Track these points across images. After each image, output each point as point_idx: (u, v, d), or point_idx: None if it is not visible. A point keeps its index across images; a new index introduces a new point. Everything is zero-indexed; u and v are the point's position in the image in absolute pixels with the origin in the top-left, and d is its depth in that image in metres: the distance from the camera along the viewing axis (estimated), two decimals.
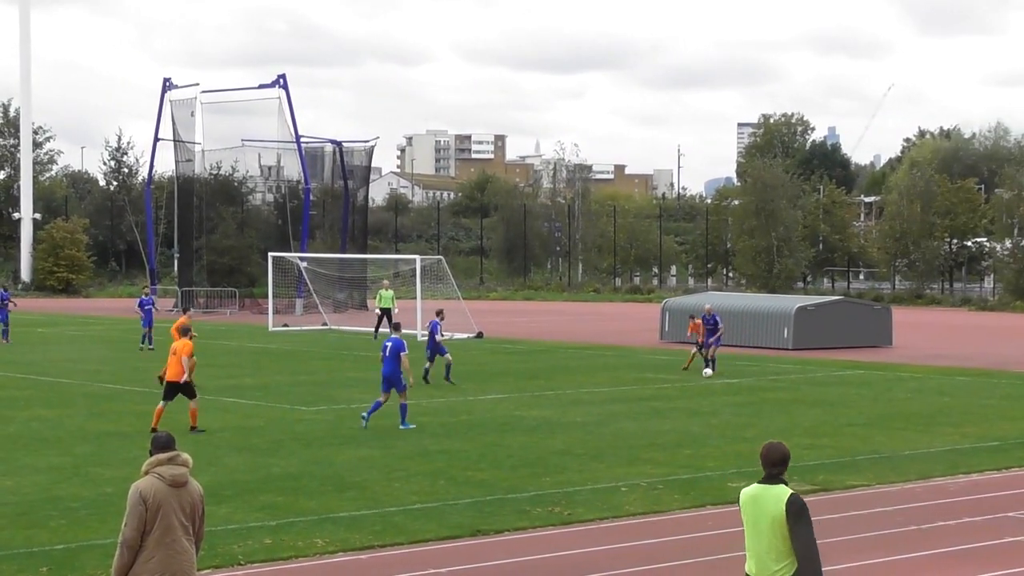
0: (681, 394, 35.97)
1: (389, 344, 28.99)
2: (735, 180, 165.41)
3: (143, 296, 51.47)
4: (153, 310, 50.14)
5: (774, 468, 11.17)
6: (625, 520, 19.63)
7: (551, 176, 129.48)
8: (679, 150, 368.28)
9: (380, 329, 55.49)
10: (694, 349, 42.22)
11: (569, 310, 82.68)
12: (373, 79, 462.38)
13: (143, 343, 49.32)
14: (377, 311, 56.50)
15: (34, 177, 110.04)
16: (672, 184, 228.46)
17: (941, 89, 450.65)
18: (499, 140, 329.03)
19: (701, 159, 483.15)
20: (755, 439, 27.54)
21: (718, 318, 42.49)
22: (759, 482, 11.18)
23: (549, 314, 76.54)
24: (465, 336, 55.52)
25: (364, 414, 28.95)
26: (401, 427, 28.61)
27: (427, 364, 37.75)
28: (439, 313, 39.33)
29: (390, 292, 56.46)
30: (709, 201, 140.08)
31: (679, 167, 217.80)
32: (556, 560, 17.19)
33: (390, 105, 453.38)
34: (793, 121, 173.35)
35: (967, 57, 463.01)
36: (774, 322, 52.05)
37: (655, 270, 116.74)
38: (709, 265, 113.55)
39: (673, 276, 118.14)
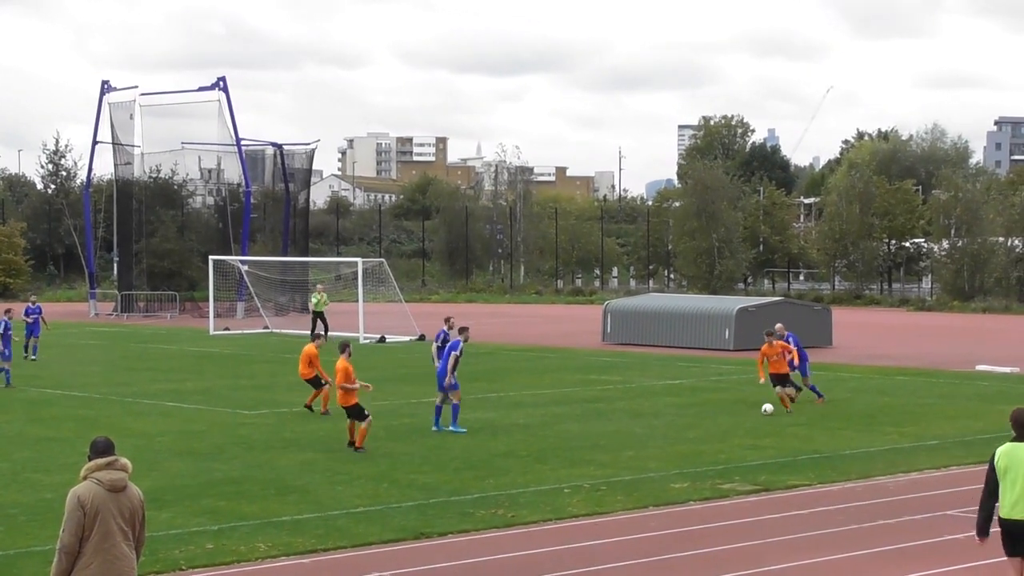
0: (623, 395, 36.05)
1: (440, 345, 29.13)
2: (676, 182, 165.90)
3: (29, 304, 48.37)
4: (40, 319, 46.82)
5: (1022, 429, 13.19)
6: (568, 522, 19.66)
7: (493, 178, 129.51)
8: (620, 152, 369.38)
9: (315, 331, 55.50)
10: (779, 388, 32.58)
11: (511, 312, 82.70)
12: (312, 82, 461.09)
13: (27, 353, 45.97)
14: (311, 311, 56.79)
15: None
16: (613, 186, 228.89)
17: (877, 91, 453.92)
18: (440, 142, 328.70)
19: (642, 161, 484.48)
20: (697, 440, 27.70)
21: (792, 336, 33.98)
22: (1010, 441, 13.27)
23: (491, 316, 76.49)
24: (408, 339, 55.45)
25: (434, 427, 29.03)
26: (451, 428, 28.71)
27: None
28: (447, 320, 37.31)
29: (324, 295, 56.71)
30: (650, 203, 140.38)
31: (620, 169, 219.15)
32: (500, 562, 17.20)
33: (330, 108, 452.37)
34: (733, 123, 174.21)
35: (901, 59, 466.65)
36: (715, 323, 52.25)
37: (597, 272, 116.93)
38: (651, 267, 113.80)
39: (615, 278, 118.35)
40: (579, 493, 21.64)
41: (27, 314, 46.87)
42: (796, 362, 33.04)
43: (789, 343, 32.99)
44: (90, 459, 11.14)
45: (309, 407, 31.36)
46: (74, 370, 42.66)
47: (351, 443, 26.10)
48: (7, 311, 39.90)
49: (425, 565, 17.03)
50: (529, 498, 21.19)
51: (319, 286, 58.63)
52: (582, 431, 29.07)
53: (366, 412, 26.20)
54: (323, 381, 30.98)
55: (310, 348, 31.37)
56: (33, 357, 45.56)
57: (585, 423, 30.41)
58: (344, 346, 26.78)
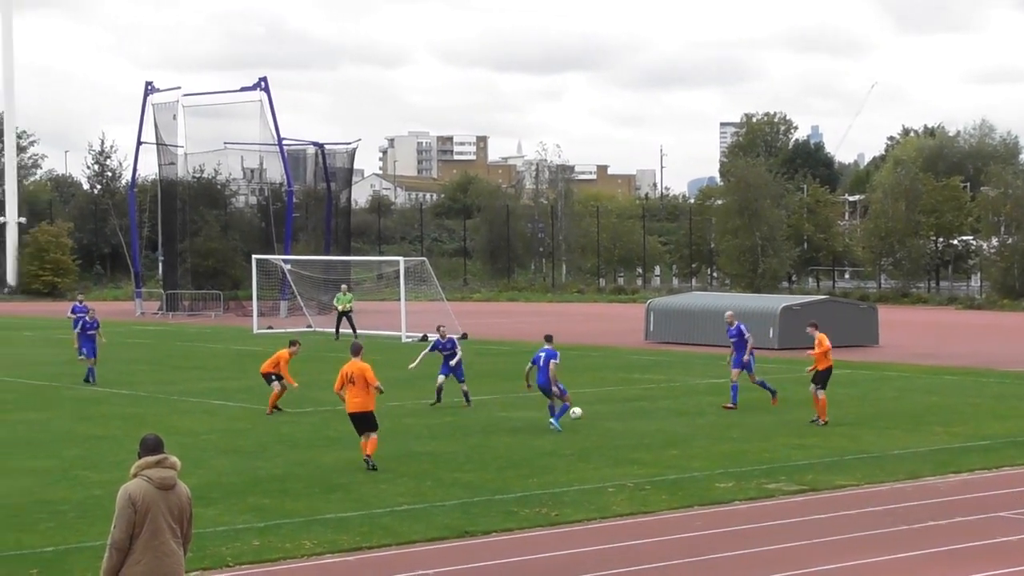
0: (666, 394, 36.01)
1: (543, 354, 28.88)
2: (718, 180, 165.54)
3: (76, 303, 48.68)
4: (85, 319, 47.11)
5: None
6: (612, 521, 19.65)
7: (534, 177, 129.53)
8: (661, 150, 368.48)
9: (340, 330, 55.84)
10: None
11: (553, 311, 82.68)
12: (352, 81, 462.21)
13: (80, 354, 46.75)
14: (339, 310, 57.11)
15: (18, 181, 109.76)
16: (655, 184, 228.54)
17: (923, 87, 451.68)
18: (481, 141, 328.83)
19: (683, 159, 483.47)
20: (741, 439, 27.64)
21: (743, 327, 34.04)
22: None
23: (533, 315, 76.52)
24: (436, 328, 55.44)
25: (552, 422, 28.93)
26: (551, 422, 28.74)
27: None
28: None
29: (349, 295, 57.11)
30: (692, 201, 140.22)
31: (662, 167, 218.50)
32: (543, 561, 17.21)
33: (371, 107, 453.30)
34: (776, 120, 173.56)
35: (947, 55, 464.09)
36: (759, 322, 52.01)
37: (639, 270, 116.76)
38: (693, 265, 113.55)
39: (657, 276, 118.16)
40: (623, 492, 21.63)
41: (74, 312, 47.13)
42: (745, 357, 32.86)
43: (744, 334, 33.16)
44: (140, 456, 11.23)
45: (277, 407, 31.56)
46: (121, 369, 42.91)
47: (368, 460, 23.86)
48: (90, 310, 39.98)
49: (469, 563, 17.06)
50: (573, 497, 21.20)
51: (343, 285, 58.88)
52: (625, 430, 29.06)
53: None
54: (274, 376, 31.49)
55: (283, 353, 31.69)
56: (82, 357, 45.62)
57: (628, 422, 30.39)
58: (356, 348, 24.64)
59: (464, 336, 55.53)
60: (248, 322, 64.15)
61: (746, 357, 32.99)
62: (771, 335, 51.20)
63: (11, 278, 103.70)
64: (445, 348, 33.11)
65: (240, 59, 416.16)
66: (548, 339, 29.64)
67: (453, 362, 32.86)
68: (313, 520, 19.33)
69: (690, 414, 31.73)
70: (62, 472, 23.59)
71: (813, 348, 31.02)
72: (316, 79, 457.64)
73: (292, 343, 32.10)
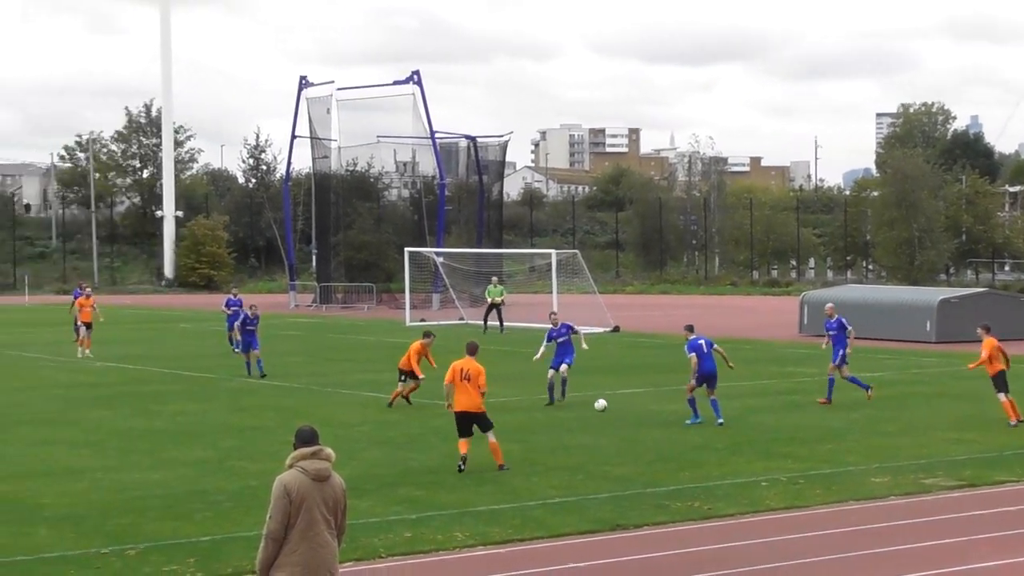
0: (821, 388, 35.50)
1: (702, 341, 28.73)
2: (874, 171, 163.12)
3: (231, 296, 48.96)
4: (247, 314, 47.17)
5: None
6: (765, 515, 19.46)
7: (686, 169, 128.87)
8: (816, 141, 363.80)
9: (488, 322, 56.03)
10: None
11: (706, 303, 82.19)
12: (505, 74, 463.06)
13: (232, 346, 46.01)
14: (491, 302, 57.35)
15: (176, 175, 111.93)
16: (809, 176, 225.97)
17: None
18: (633, 133, 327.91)
19: (839, 150, 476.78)
20: (897, 433, 27.21)
21: (843, 320, 33.36)
22: None
23: (686, 308, 76.11)
24: (601, 330, 55.45)
25: (692, 420, 28.58)
26: (720, 422, 28.24)
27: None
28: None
29: (500, 287, 57.30)
30: (848, 192, 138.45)
31: (816, 158, 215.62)
32: (696, 555, 17.09)
33: (523, 100, 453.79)
34: (934, 110, 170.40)
35: None
36: (916, 315, 51.29)
37: (793, 263, 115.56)
38: (848, 257, 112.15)
39: (811, 269, 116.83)
40: (776, 486, 21.41)
41: (228, 306, 47.72)
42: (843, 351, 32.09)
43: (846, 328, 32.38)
44: (295, 448, 11.33)
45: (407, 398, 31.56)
46: (275, 361, 43.47)
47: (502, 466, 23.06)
48: (251, 306, 40.27)
49: (620, 557, 17.00)
50: (725, 491, 21.03)
51: (494, 278, 59.07)
52: (778, 423, 28.77)
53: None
54: (418, 376, 31.34)
55: (416, 345, 31.57)
56: (237, 351, 46.23)
57: (781, 415, 30.09)
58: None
59: (616, 329, 55.52)
60: (401, 315, 64.64)
61: (849, 350, 32.53)
62: (928, 328, 50.39)
63: (168, 271, 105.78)
64: (560, 335, 32.40)
65: (393, 53, 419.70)
66: (691, 328, 29.38)
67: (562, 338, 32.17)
68: (465, 512, 19.39)
69: (845, 408, 31.29)
70: (218, 462, 23.97)
71: (983, 348, 30.21)
72: (469, 72, 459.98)
73: (426, 335, 32.09)
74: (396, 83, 78.83)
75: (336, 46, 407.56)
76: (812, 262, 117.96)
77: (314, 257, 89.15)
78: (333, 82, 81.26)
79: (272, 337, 53.10)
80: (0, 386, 36.89)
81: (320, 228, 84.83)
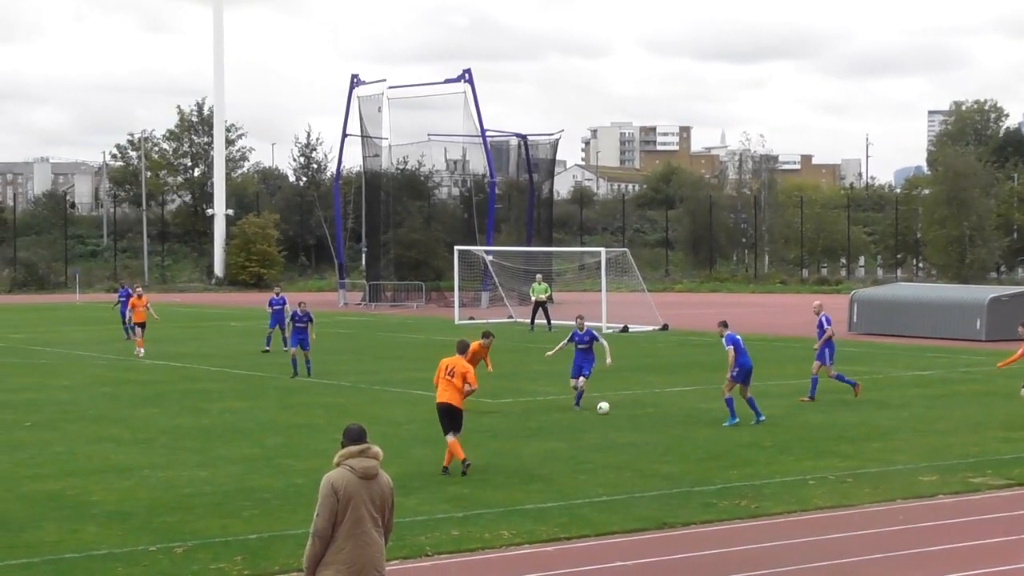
0: (870, 386, 35.34)
1: (740, 337, 28.53)
2: (925, 169, 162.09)
3: (274, 296, 48.33)
4: (284, 311, 46.00)
5: None
6: (813, 514, 19.38)
7: (737, 167, 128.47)
8: (867, 139, 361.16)
9: (536, 320, 55.95)
10: None
11: (755, 302, 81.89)
12: (556, 72, 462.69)
13: (268, 345, 46.58)
14: (536, 300, 57.27)
15: (227, 174, 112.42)
16: (860, 174, 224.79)
17: None
18: (684, 131, 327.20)
19: (890, 148, 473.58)
20: (947, 432, 27.04)
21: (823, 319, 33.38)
22: None
23: (735, 306, 75.86)
24: (651, 328, 55.37)
25: (730, 422, 28.15)
26: (761, 419, 28.18)
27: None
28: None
29: (544, 285, 57.23)
30: (899, 191, 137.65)
31: (867, 156, 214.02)
32: (743, 554, 17.03)
33: (573, 98, 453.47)
34: (986, 108, 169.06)
35: None
36: (966, 313, 50.93)
37: (843, 261, 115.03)
38: (899, 255, 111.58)
39: (861, 267, 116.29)
40: (824, 485, 21.32)
41: (271, 305, 47.52)
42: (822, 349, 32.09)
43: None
44: (343, 446, 11.36)
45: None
46: (323, 358, 43.59)
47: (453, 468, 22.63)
48: (300, 303, 39.51)
49: (668, 555, 16.96)
50: (773, 489, 20.96)
51: (538, 275, 59.04)
52: (826, 422, 28.64)
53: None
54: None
55: (475, 344, 30.25)
56: (267, 348, 46.08)
57: (830, 414, 29.95)
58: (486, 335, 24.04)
59: (665, 327, 55.42)
60: (450, 313, 64.73)
61: (815, 347, 32.86)
62: (978, 326, 50.05)
63: (219, 269, 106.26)
64: (582, 340, 30.72)
65: (444, 51, 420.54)
66: (725, 325, 28.99)
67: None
68: (512, 510, 19.39)
69: (894, 406, 31.13)
70: (266, 460, 24.06)
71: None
72: (520, 70, 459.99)
73: (485, 335, 31.76)
74: (447, 81, 78.89)
75: (387, 44, 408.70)
76: (862, 260, 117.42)
77: (364, 255, 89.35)
78: (385, 80, 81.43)
79: (321, 335, 53.16)
80: (50, 384, 37.16)
81: (370, 226, 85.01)
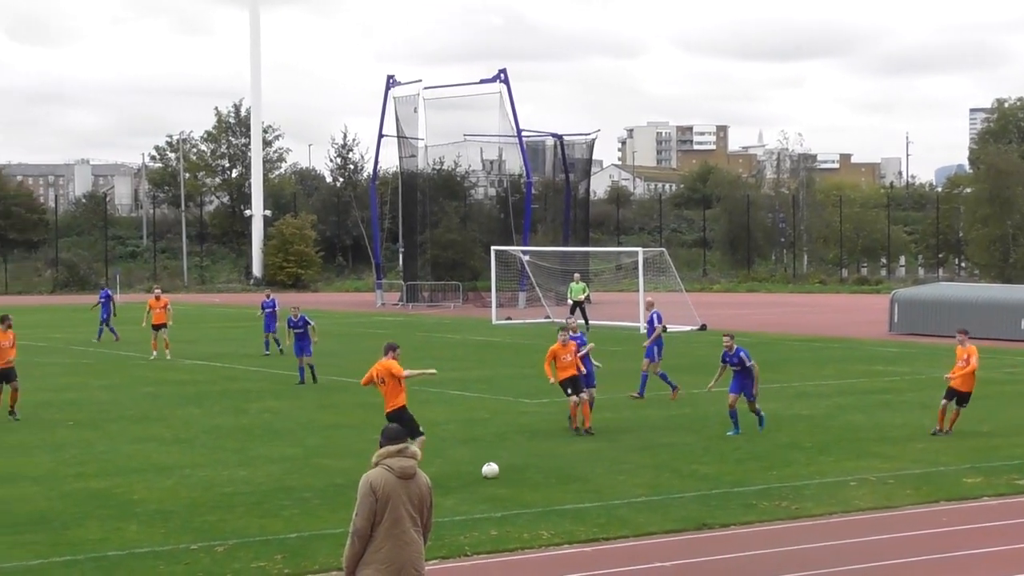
0: (911, 387, 35.20)
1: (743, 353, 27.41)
2: (967, 167, 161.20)
3: (265, 298, 47.74)
4: (275, 313, 45.82)
5: None
6: (855, 515, 19.27)
7: (775, 166, 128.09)
8: (907, 137, 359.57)
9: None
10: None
11: (794, 302, 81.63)
12: (591, 72, 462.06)
13: (278, 346, 45.76)
14: (570, 302, 57.13)
15: (264, 175, 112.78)
16: (900, 172, 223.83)
17: None
18: (721, 131, 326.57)
19: (930, 146, 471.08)
20: (991, 433, 26.86)
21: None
22: None
23: (774, 306, 75.66)
24: (689, 329, 55.23)
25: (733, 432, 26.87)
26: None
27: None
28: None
29: (581, 284, 57.15)
30: (940, 189, 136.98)
31: (908, 155, 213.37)
32: (784, 555, 16.94)
33: (609, 98, 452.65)
34: None
35: None
36: (1010, 313, 50.58)
37: (883, 261, 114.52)
38: (940, 255, 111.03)
39: (902, 267, 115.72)
40: (865, 486, 21.20)
41: (263, 308, 46.95)
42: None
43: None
44: (382, 445, 11.35)
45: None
46: (361, 359, 43.55)
47: None
48: (294, 307, 38.56)
49: (707, 556, 16.89)
50: (814, 490, 20.85)
51: (576, 275, 58.93)
52: (868, 423, 28.50)
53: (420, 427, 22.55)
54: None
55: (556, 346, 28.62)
56: (267, 353, 45.75)
57: (871, 414, 29.80)
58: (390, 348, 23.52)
59: (703, 327, 55.25)
60: (487, 313, 64.72)
61: (645, 344, 32.96)
62: (1022, 326, 49.70)
63: (256, 270, 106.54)
64: (733, 362, 27.51)
65: (479, 51, 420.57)
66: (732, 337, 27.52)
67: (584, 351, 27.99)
68: (550, 511, 19.36)
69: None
70: (305, 460, 24.10)
71: None
72: (555, 70, 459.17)
73: (563, 329, 30.10)
74: (483, 81, 78.84)
75: (422, 45, 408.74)
76: (903, 260, 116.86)
77: (401, 255, 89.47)
78: (420, 81, 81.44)
79: (359, 335, 53.35)
80: (92, 383, 37.34)
81: (407, 227, 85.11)
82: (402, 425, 21.33)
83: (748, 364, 26.63)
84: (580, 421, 27.09)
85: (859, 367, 40.58)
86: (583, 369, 27.31)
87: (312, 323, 37.37)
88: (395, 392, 22.58)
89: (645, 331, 33.44)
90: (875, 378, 37.50)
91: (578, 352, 27.56)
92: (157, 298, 45.58)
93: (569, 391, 26.99)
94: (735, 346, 27.00)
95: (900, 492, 20.75)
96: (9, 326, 29.74)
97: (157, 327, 44.84)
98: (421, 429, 22.48)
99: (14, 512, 19.55)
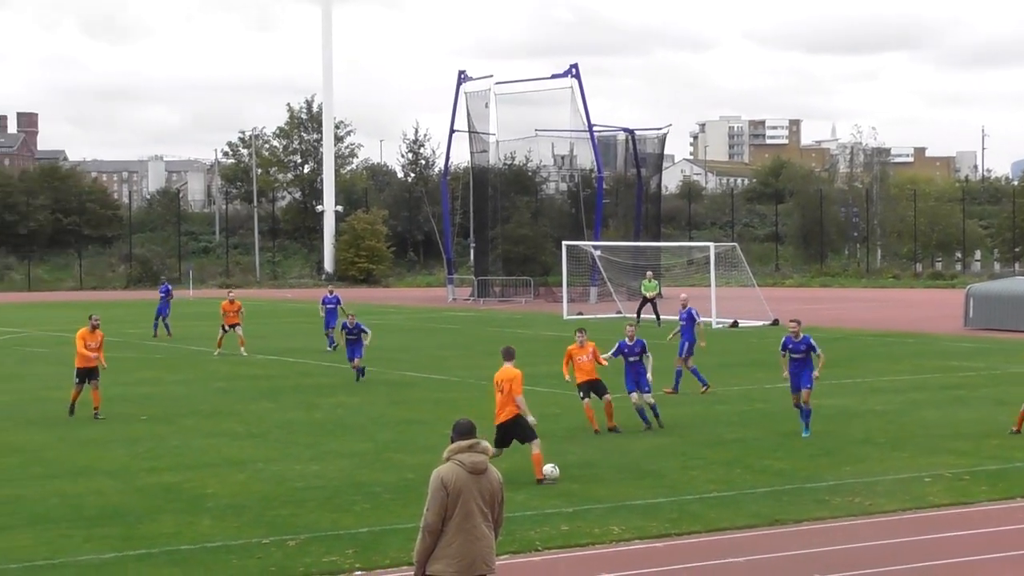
0: (987, 382, 34.84)
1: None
2: None
3: (327, 294, 47.59)
4: (338, 309, 45.64)
5: None
6: (929, 511, 19.10)
7: (848, 160, 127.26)
8: (983, 131, 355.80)
9: (643, 315, 55.73)
10: None
11: (867, 296, 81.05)
12: (663, 66, 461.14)
13: (330, 346, 45.64)
14: (645, 296, 57.12)
15: (336, 170, 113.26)
16: (976, 166, 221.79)
17: None
18: (793, 125, 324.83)
19: (1007, 139, 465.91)
20: None
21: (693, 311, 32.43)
22: None
23: (847, 301, 75.15)
24: (761, 324, 55.02)
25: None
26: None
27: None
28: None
29: (654, 282, 57.10)
30: (1016, 183, 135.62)
31: (983, 148, 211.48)
32: (856, 551, 16.81)
33: (681, 92, 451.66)
34: None
35: None
36: None
37: (958, 255, 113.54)
38: (1016, 249, 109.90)
39: (977, 261, 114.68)
40: (940, 482, 21.00)
41: (324, 303, 46.88)
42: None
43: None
44: (453, 441, 11.36)
45: None
46: (432, 354, 43.79)
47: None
48: (350, 315, 38.32)
49: (779, 552, 16.79)
50: (887, 486, 20.68)
51: (648, 272, 58.78)
52: (942, 418, 28.22)
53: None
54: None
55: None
56: (329, 349, 45.50)
57: (945, 410, 29.51)
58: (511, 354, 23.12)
59: (775, 322, 54.97)
60: (558, 308, 64.69)
61: (702, 343, 33.01)
62: None
63: (328, 265, 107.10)
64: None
65: (550, 46, 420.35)
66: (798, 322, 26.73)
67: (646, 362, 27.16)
68: (622, 506, 19.32)
69: (1012, 403, 30.49)
70: (376, 455, 24.17)
71: None
72: (626, 65, 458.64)
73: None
74: (554, 76, 78.85)
75: (493, 40, 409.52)
76: (978, 254, 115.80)
77: (472, 251, 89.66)
78: (492, 76, 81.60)
79: (430, 331, 53.44)
80: (165, 378, 37.65)
81: (478, 222, 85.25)
82: (520, 433, 21.68)
83: (817, 351, 25.91)
84: (601, 422, 26.58)
85: (933, 362, 40.22)
86: (603, 362, 26.55)
87: (367, 331, 37.06)
88: (509, 401, 22.01)
89: (679, 329, 33.17)
90: (949, 373, 37.15)
91: (643, 353, 27.03)
92: (231, 302, 45.58)
93: (581, 394, 26.77)
94: (802, 333, 26.16)
95: (975, 488, 20.54)
96: (96, 327, 30.00)
97: (232, 327, 44.92)
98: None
99: (88, 506, 19.74)
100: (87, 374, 29.68)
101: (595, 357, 26.39)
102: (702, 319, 33.20)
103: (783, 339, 26.54)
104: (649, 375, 27.09)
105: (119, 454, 24.48)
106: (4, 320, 64.46)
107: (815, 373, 25.91)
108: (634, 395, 27.16)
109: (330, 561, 16.35)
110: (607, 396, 26.58)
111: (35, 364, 42.47)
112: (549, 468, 21.50)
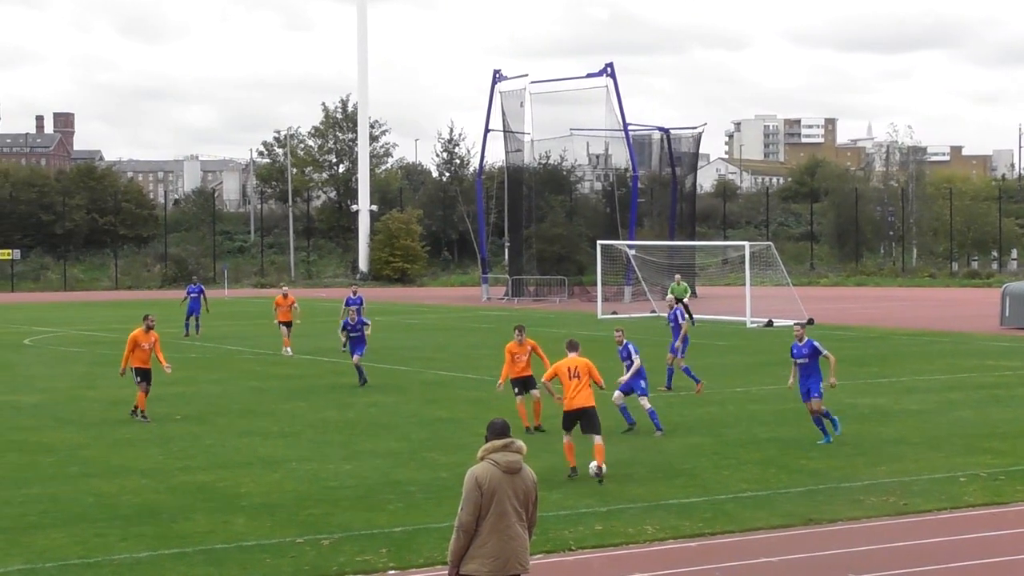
0: (1022, 383, 34.64)
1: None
2: None
3: (351, 295, 46.55)
4: (361, 310, 43.89)
5: None
6: (964, 511, 19.01)
7: (883, 159, 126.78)
8: (1020, 129, 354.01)
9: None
10: None
11: (903, 296, 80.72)
12: (698, 65, 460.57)
13: (344, 347, 43.73)
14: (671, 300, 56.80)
15: (371, 170, 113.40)
16: (1012, 164, 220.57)
17: None
18: (829, 124, 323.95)
19: None
20: None
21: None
22: None
23: (882, 300, 74.85)
24: (795, 323, 54.79)
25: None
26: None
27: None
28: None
29: (683, 285, 56.76)
30: None
31: (1020, 146, 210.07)
32: (891, 551, 16.75)
33: (716, 91, 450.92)
34: None
35: None
36: None
37: (994, 254, 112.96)
38: None
39: (1014, 260, 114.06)
40: (976, 482, 20.90)
41: (347, 304, 46.41)
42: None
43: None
44: (487, 440, 11.37)
45: None
46: (467, 353, 43.78)
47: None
48: (351, 314, 38.35)
49: (814, 551, 16.74)
50: (922, 486, 20.59)
51: (677, 276, 58.61)
52: (978, 418, 28.09)
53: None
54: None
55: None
56: (344, 349, 45.25)
57: (981, 410, 29.37)
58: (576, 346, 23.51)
59: (810, 321, 54.75)
60: (592, 307, 64.65)
61: (678, 344, 32.88)
62: None
63: (363, 264, 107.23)
64: (622, 357, 27.84)
65: (585, 45, 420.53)
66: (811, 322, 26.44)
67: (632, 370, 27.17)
68: (656, 505, 19.29)
69: None
70: (410, 454, 24.19)
71: None
72: (661, 64, 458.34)
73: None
74: (589, 75, 78.78)
75: (528, 39, 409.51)
76: (1015, 253, 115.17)
77: (506, 250, 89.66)
78: (527, 75, 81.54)
79: (464, 330, 53.46)
80: (200, 378, 37.78)
81: (512, 221, 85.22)
82: (587, 423, 21.71)
83: (823, 353, 25.01)
84: (530, 419, 27.05)
85: (969, 362, 40.03)
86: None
87: (368, 322, 37.42)
88: (583, 387, 22.14)
89: (671, 327, 33.46)
90: (985, 373, 36.97)
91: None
92: (285, 296, 45.48)
93: (516, 390, 27.18)
94: (806, 336, 25.52)
95: (1011, 488, 20.44)
96: (150, 327, 29.86)
97: (283, 324, 44.79)
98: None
99: (123, 505, 19.82)
100: (147, 373, 29.44)
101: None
102: (685, 320, 33.42)
103: (791, 346, 25.91)
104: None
105: (154, 453, 24.57)
106: (40, 319, 64.81)
107: (831, 380, 25.19)
108: (645, 400, 26.81)
109: (364, 560, 16.37)
110: (535, 391, 27.14)
111: (71, 364, 42.67)
112: (597, 467, 21.32)
